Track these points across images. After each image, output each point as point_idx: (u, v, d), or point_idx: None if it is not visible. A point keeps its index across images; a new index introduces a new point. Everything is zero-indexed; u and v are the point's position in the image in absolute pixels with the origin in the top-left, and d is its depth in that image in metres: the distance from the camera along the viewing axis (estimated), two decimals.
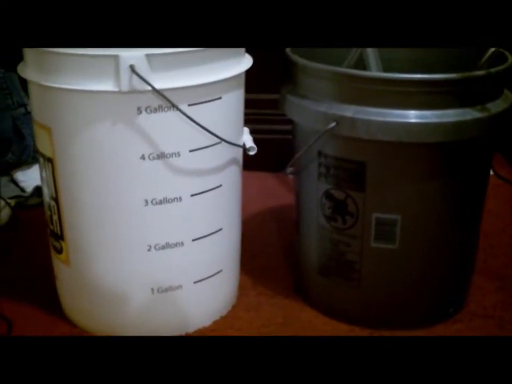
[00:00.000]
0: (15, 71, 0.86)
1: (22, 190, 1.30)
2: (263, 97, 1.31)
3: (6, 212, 1.22)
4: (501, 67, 0.84)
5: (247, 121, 0.93)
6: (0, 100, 1.30)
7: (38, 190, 1.26)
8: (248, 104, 0.93)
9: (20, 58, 0.86)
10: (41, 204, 0.92)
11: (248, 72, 0.88)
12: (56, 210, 0.87)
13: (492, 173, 0.94)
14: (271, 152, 1.26)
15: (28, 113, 1.33)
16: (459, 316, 0.96)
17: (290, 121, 0.93)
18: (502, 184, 1.19)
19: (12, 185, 1.32)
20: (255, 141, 0.92)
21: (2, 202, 1.22)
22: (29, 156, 1.32)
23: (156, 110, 0.79)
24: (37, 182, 1.25)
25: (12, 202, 1.25)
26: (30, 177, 1.31)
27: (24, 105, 1.33)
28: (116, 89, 0.77)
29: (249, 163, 0.96)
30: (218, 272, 0.92)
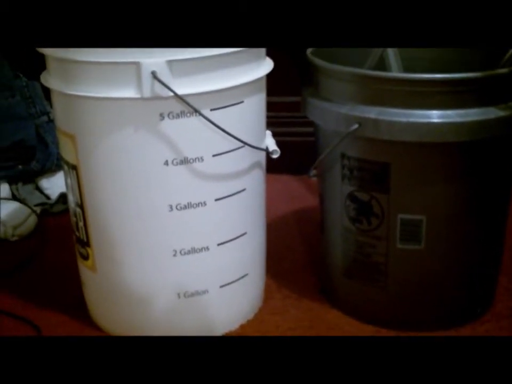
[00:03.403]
0: (37, 79, 0.87)
1: (47, 197, 1.32)
2: (285, 100, 1.31)
3: (32, 220, 1.23)
4: None
5: (269, 124, 0.93)
6: (23, 109, 1.31)
7: (62, 197, 1.27)
8: (270, 107, 0.93)
9: (42, 67, 0.86)
10: (66, 210, 0.93)
11: (270, 75, 0.88)
12: (81, 216, 0.88)
13: None
14: (294, 154, 1.26)
15: (50, 121, 1.34)
16: (487, 317, 0.95)
17: (312, 124, 0.93)
18: None
19: (37, 193, 1.33)
20: (277, 143, 0.92)
21: (28, 210, 1.23)
22: (53, 164, 1.33)
23: (178, 116, 0.79)
24: (62, 189, 1.26)
25: (38, 209, 1.26)
26: (54, 185, 1.32)
27: (47, 114, 1.34)
28: (138, 95, 0.77)
29: (272, 166, 0.96)
30: (244, 276, 0.92)
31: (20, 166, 1.31)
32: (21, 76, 1.33)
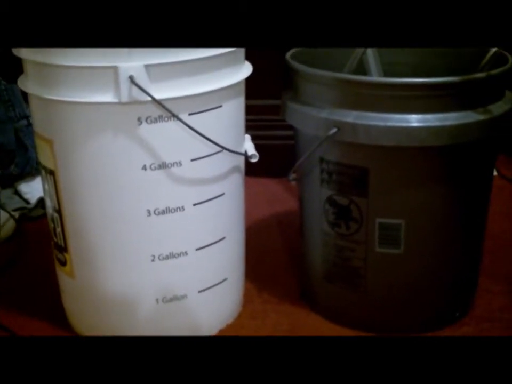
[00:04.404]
0: (16, 83, 0.86)
1: (26, 201, 1.31)
2: (264, 103, 1.30)
3: (10, 224, 1.22)
4: (501, 69, 0.84)
5: (248, 128, 0.93)
6: (3, 112, 1.30)
7: (42, 202, 1.26)
8: (249, 110, 0.93)
9: (21, 70, 0.86)
10: (45, 215, 0.92)
11: (249, 78, 0.88)
12: (59, 222, 0.87)
13: (495, 173, 0.93)
14: (274, 157, 1.26)
15: (30, 125, 1.33)
16: (466, 320, 0.95)
17: (291, 127, 0.93)
18: (506, 184, 1.19)
19: (16, 197, 1.32)
20: (256, 147, 0.92)
21: (6, 215, 1.22)
22: (32, 168, 1.32)
23: (156, 120, 0.79)
24: (41, 193, 1.24)
25: (16, 214, 1.25)
26: (33, 189, 1.31)
27: (27, 117, 1.33)
28: (116, 100, 0.77)
29: (251, 169, 0.96)
30: (223, 281, 0.92)
31: None
32: (0, 79, 1.32)
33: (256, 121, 1.07)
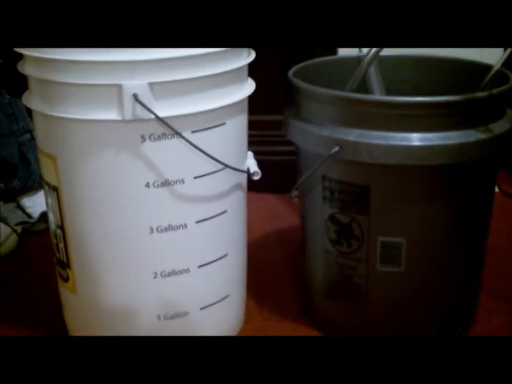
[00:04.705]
0: (20, 97, 0.87)
1: (29, 216, 1.31)
2: (267, 119, 1.31)
3: (13, 239, 1.23)
4: (503, 88, 0.85)
5: (251, 143, 0.93)
6: (6, 126, 1.31)
7: (44, 216, 1.27)
8: (252, 125, 0.93)
9: (25, 85, 0.86)
10: (47, 229, 0.92)
11: (251, 94, 0.88)
12: (62, 238, 0.88)
13: (496, 189, 0.94)
14: (275, 173, 1.26)
15: (33, 139, 1.33)
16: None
17: (293, 144, 0.93)
18: (507, 201, 1.19)
19: (19, 211, 1.32)
20: (258, 162, 0.92)
21: (9, 229, 1.23)
22: (35, 182, 1.32)
23: (159, 138, 0.79)
24: (44, 207, 1.25)
25: (19, 228, 1.25)
26: (36, 203, 1.32)
27: (30, 131, 1.34)
28: (120, 117, 0.77)
29: (253, 185, 0.96)
30: (224, 298, 0.92)
31: (1, 184, 1.30)
32: (4, 93, 1.32)
33: (257, 137, 1.07)
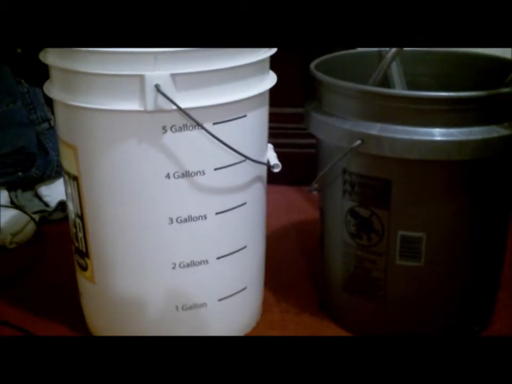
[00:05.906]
0: (39, 86, 0.86)
1: (46, 204, 1.31)
2: (287, 111, 1.31)
3: (31, 227, 1.23)
4: None
5: (271, 135, 0.93)
6: (25, 115, 1.31)
7: (61, 205, 1.27)
8: (272, 118, 0.93)
9: (44, 74, 0.86)
10: (65, 218, 0.93)
11: (272, 86, 0.88)
12: (81, 227, 0.88)
13: None
14: (295, 166, 1.26)
15: (51, 128, 1.34)
16: (485, 334, 0.95)
17: (314, 137, 0.93)
18: None
19: (36, 200, 1.33)
20: (278, 154, 0.92)
21: (27, 217, 1.23)
22: (53, 171, 1.33)
23: (181, 129, 0.79)
24: (61, 196, 1.26)
25: (36, 217, 1.26)
26: (53, 192, 1.32)
27: (48, 120, 1.34)
28: (142, 108, 0.77)
29: (272, 177, 0.96)
30: (242, 290, 0.92)
31: (20, 173, 1.30)
32: (23, 82, 1.33)
33: (276, 129, 1.07)
